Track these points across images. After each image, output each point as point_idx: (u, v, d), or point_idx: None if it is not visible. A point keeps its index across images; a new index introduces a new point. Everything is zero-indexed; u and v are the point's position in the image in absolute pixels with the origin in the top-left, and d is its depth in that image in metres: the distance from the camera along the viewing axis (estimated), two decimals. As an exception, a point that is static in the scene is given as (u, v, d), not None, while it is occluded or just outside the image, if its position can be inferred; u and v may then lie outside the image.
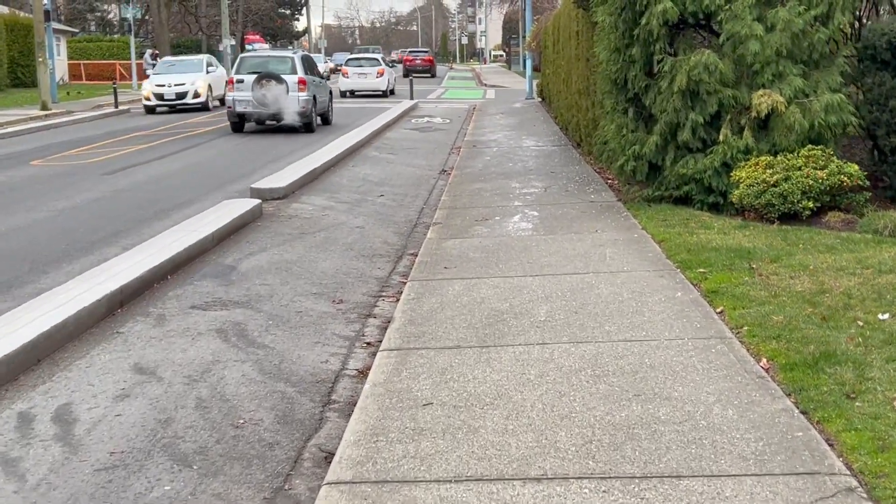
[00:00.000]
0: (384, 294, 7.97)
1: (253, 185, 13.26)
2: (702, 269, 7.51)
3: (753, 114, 10.30)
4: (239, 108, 23.03)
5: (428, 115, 28.37)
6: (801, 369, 5.07)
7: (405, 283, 7.92)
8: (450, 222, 10.50)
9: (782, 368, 5.14)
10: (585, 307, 6.65)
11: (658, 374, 5.18)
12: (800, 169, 9.66)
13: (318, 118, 24.47)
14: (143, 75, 49.52)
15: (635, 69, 11.00)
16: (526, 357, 5.58)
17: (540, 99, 32.94)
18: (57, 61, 54.50)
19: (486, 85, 52.28)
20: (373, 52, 45.57)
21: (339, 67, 24.96)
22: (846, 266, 7.31)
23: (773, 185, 9.56)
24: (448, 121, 26.67)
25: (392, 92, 40.45)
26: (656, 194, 10.89)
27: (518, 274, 7.81)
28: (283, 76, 22.72)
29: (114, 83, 35.93)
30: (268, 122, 23.42)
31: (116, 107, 33.90)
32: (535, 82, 35.29)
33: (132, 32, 49.19)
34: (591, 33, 14.28)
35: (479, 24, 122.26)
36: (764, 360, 5.30)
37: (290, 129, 23.14)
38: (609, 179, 13.43)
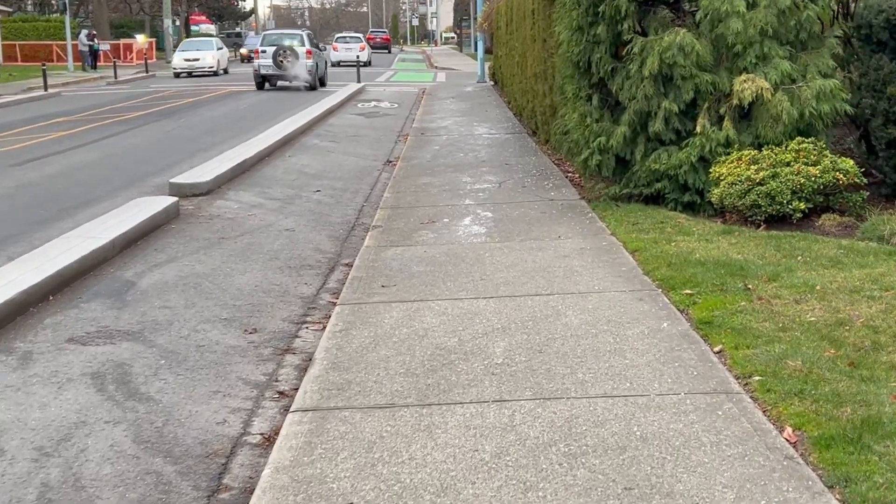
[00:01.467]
0: (308, 320, 6.64)
1: (172, 180, 11.81)
2: (688, 290, 6.28)
3: (735, 101, 9.11)
4: (262, 72, 31.60)
5: (375, 100, 26.94)
6: (840, 445, 3.85)
7: (334, 305, 6.60)
8: (392, 225, 9.17)
9: (815, 444, 3.91)
10: (552, 343, 5.38)
11: (653, 451, 3.92)
12: (789, 165, 8.49)
13: (318, 80, 32.34)
14: (78, 56, 47.51)
15: (600, 51, 9.75)
16: (479, 423, 4.30)
17: (492, 82, 31.64)
18: (-12, 41, 52.23)
19: (436, 67, 50.85)
20: (355, 34, 57.16)
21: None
22: (860, 286, 6.11)
23: (759, 184, 8.37)
24: (396, 105, 25.28)
25: (369, 63, 49.39)
26: (624, 192, 9.66)
27: (469, 295, 6.52)
28: (295, 48, 31.43)
29: (43, 65, 33.91)
30: (279, 83, 31.59)
31: (46, 90, 32.02)
32: (486, 65, 33.98)
33: (67, 12, 46.92)
34: (549, 11, 13.01)
35: (430, 5, 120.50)
36: (788, 429, 4.07)
37: (295, 89, 30.32)
38: (569, 173, 12.19)
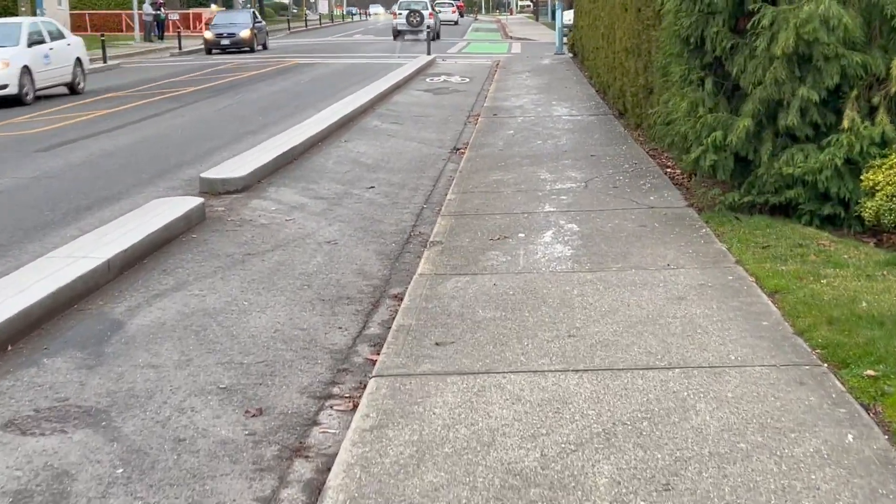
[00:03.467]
0: (335, 393, 4.91)
1: (203, 174, 10.20)
2: (870, 371, 4.40)
3: (893, 89, 7.13)
4: (399, 28, 43.64)
5: (445, 74, 25.10)
6: None
7: (372, 366, 4.88)
8: (454, 241, 7.39)
9: None
10: (683, 471, 3.57)
11: None
12: (972, 173, 6.49)
13: (437, 34, 42.44)
14: (143, 27, 46.47)
15: (717, 23, 7.82)
16: None
17: (571, 55, 29.51)
18: (56, 11, 51.54)
19: (511, 38, 48.72)
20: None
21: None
22: None
23: (933, 198, 6.39)
24: (467, 80, 23.40)
25: (436, 36, 45.27)
26: (745, 200, 7.74)
27: (554, 364, 4.72)
28: (421, 11, 43.20)
29: (101, 35, 32.75)
30: (408, 37, 41.56)
31: (105, 62, 30.87)
32: (565, 36, 31.85)
33: (134, -20, 45.84)
34: (646, -25, 11.03)
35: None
36: None
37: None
38: (668, 167, 10.26)
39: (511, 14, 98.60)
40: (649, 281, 6.07)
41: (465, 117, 16.42)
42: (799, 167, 7.27)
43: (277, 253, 7.58)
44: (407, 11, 43.38)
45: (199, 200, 8.80)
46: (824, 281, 5.79)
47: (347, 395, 4.82)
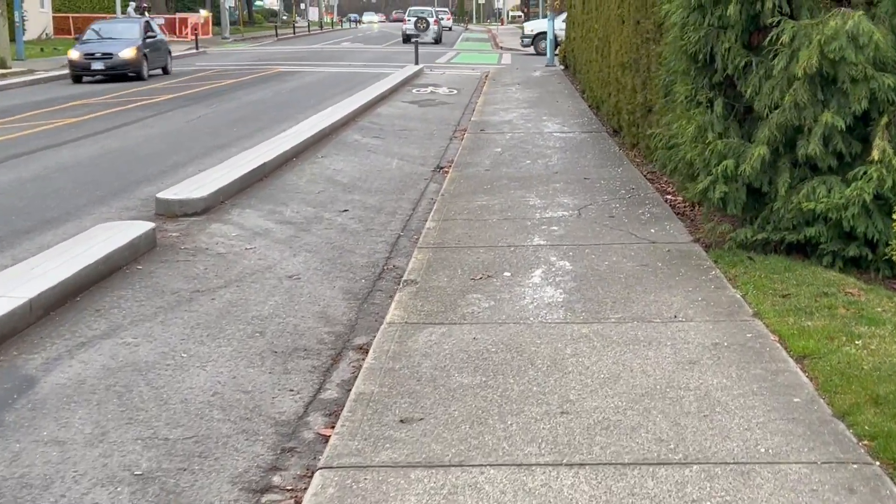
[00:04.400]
0: (275, 484, 4.01)
1: (160, 195, 9.28)
2: (937, 475, 3.53)
3: (930, 116, 6.30)
4: (407, 33, 49.50)
5: (433, 85, 24.27)
6: None
7: (324, 443, 4.00)
8: (431, 280, 6.51)
9: None
10: None
11: None
12: None
13: (439, 37, 51.52)
14: (127, 31, 45.45)
15: (728, 39, 6.98)
16: None
17: (562, 66, 28.74)
18: (39, 14, 50.59)
19: (501, 48, 47.93)
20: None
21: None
22: None
23: (980, 243, 5.55)
24: (455, 92, 22.57)
25: (439, 39, 52.32)
26: (759, 237, 6.88)
27: (544, 456, 3.85)
28: (427, 18, 51.91)
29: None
30: (414, 39, 39.32)
31: (83, 66, 29.84)
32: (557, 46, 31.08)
33: (117, -17, 44.85)
34: (646, -15, 10.20)
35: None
36: None
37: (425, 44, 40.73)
38: (668, 194, 9.42)
39: (502, 24, 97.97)
40: (655, 337, 5.20)
41: (451, 132, 15.57)
42: (821, 202, 6.42)
43: (231, 290, 6.68)
44: (415, 19, 52.53)
45: (148, 226, 7.89)
46: (859, 342, 4.94)
47: (290, 488, 3.93)
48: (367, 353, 5.29)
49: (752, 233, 6.90)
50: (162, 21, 53.78)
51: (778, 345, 5.01)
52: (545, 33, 36.97)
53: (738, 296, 5.91)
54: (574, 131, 14.71)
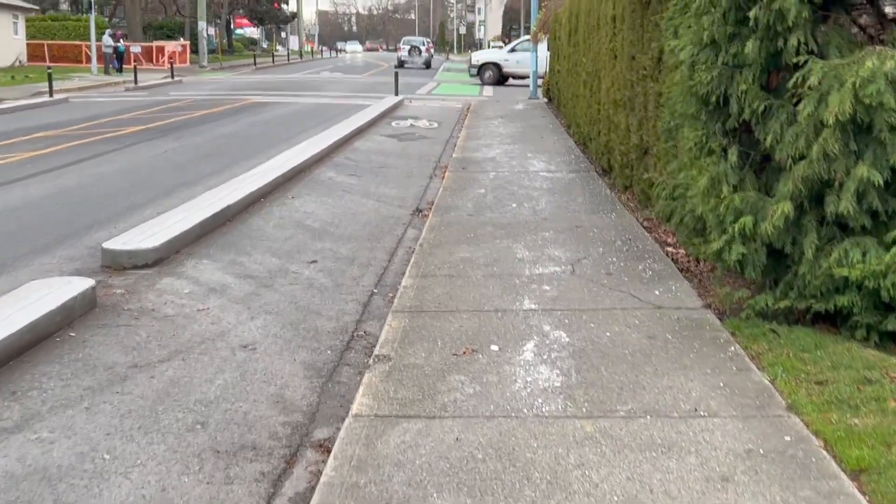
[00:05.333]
0: None
1: (106, 245, 8.34)
2: None
3: (980, 171, 5.49)
4: (402, 58, 56.58)
5: (412, 117, 23.46)
6: None
7: None
8: (407, 356, 5.61)
9: None
10: None
11: None
12: None
13: (429, 63, 57.33)
14: (102, 58, 44.61)
15: (745, 79, 6.17)
16: None
17: (546, 99, 28.05)
18: (13, 40, 49.64)
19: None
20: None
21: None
22: None
23: None
24: (435, 125, 21.77)
25: (429, 65, 58.19)
26: (781, 306, 6.03)
27: None
28: (419, 46, 59.74)
29: (48, 67, 30.89)
30: (407, 65, 52.75)
31: (51, 95, 29.01)
32: (540, 79, 30.41)
33: (92, 10, 43.97)
34: (642, 16, 9.41)
35: (479, 13, 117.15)
36: None
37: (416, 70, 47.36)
38: (669, 245, 8.59)
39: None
40: (675, 441, 4.31)
41: (432, 170, 14.72)
42: (856, 269, 5.58)
43: (175, 364, 5.76)
44: (409, 47, 59.95)
45: (87, 283, 6.96)
46: (926, 450, 4.07)
47: None
48: (328, 452, 4.40)
49: (773, 300, 6.05)
50: (139, 49, 53.08)
51: (824, 453, 4.14)
52: (493, 63, 37.03)
53: (766, 381, 5.04)
54: (561, 170, 13.90)
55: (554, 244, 8.70)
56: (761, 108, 6.13)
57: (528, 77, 34.52)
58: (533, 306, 6.63)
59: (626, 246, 8.53)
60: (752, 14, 5.97)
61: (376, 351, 5.73)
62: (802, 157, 5.84)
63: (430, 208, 10.98)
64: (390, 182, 13.46)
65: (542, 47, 33.04)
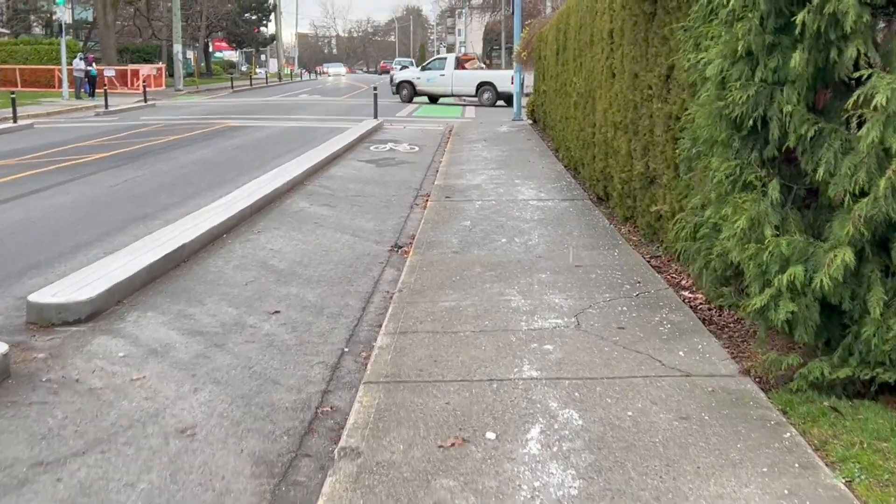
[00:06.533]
0: None
1: (33, 297, 7.16)
2: None
3: None
4: (397, 80, 42.03)
5: (392, 141, 22.39)
6: None
7: None
8: (381, 450, 4.46)
9: None
10: None
11: None
12: None
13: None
14: (73, 83, 43.38)
15: (789, 98, 5.09)
16: None
17: (530, 121, 27.05)
18: (-20, 65, 48.32)
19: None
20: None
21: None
22: None
23: None
24: (416, 149, 20.70)
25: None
26: (841, 375, 4.91)
27: None
28: (409, 67, 59.62)
29: (12, 93, 29.67)
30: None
31: (15, 121, 27.75)
32: (523, 99, 29.40)
33: (63, 33, 42.75)
34: (646, 30, 8.36)
35: (459, 34, 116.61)
36: None
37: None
38: (683, 287, 7.50)
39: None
40: (740, 587, 3.17)
41: (412, 199, 13.62)
42: (937, 331, 4.48)
43: (91, 460, 4.59)
44: (400, 66, 64.46)
45: (1, 350, 5.77)
46: None
47: None
48: None
49: (829, 368, 4.94)
50: (112, 73, 51.85)
51: None
52: (408, 82, 40.70)
53: (841, 484, 3.92)
54: (553, 198, 12.81)
55: (552, 289, 7.57)
56: (810, 132, 5.04)
57: (437, 94, 38.10)
58: (534, 373, 5.49)
59: (635, 291, 7.42)
60: (798, 19, 4.89)
61: (343, 441, 4.58)
62: (864, 193, 4.75)
63: (411, 244, 9.87)
64: (367, 213, 12.33)
65: (451, 64, 38.23)
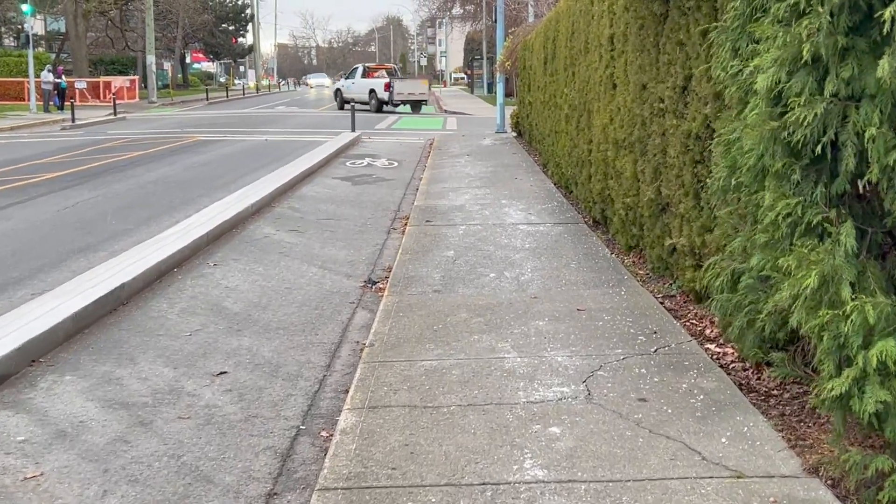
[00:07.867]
0: None
1: (-79, 360, 5.87)
2: None
3: None
4: (334, 88, 48.44)
5: (370, 155, 21.18)
6: None
7: None
8: None
9: None
10: None
11: None
12: None
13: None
14: (42, 95, 41.96)
15: (870, 118, 3.87)
16: None
17: (515, 133, 25.88)
18: (-56, 77, 46.83)
19: (446, 111, 45.20)
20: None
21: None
22: None
23: None
24: (395, 164, 19.50)
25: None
26: (948, 484, 3.69)
27: None
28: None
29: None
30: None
31: (-26, 136, 26.34)
32: (507, 111, 28.23)
33: (30, 45, 41.35)
34: (656, 34, 7.16)
35: (440, 45, 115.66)
36: None
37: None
38: (707, 337, 6.28)
39: (444, 86, 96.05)
40: None
41: (390, 222, 12.40)
42: None
43: None
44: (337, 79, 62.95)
45: None
46: None
47: None
48: None
49: (935, 475, 3.72)
50: (84, 85, 50.43)
51: None
52: (338, 89, 46.53)
53: None
54: (544, 221, 11.61)
55: (553, 341, 6.34)
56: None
57: (350, 100, 38.99)
58: (539, 473, 4.25)
59: (652, 344, 6.20)
60: (886, 15, 3.69)
61: None
62: (977, 244, 3.55)
63: (387, 280, 8.65)
64: (339, 240, 11.09)
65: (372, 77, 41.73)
